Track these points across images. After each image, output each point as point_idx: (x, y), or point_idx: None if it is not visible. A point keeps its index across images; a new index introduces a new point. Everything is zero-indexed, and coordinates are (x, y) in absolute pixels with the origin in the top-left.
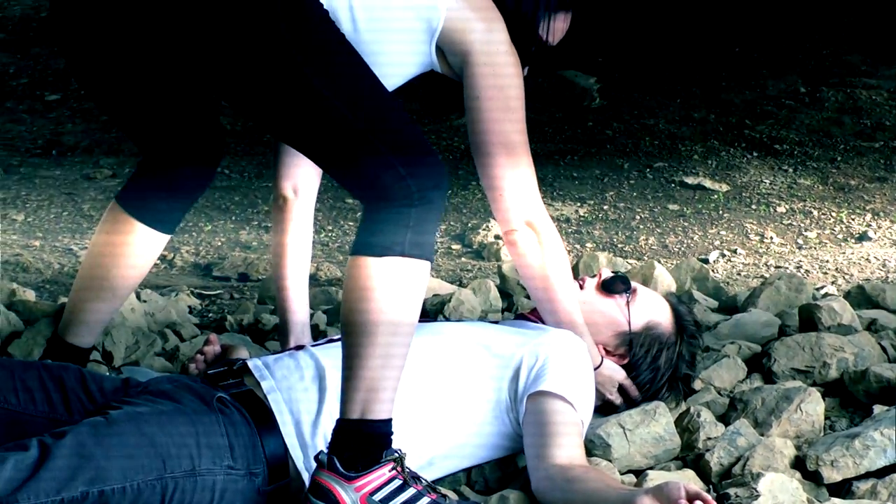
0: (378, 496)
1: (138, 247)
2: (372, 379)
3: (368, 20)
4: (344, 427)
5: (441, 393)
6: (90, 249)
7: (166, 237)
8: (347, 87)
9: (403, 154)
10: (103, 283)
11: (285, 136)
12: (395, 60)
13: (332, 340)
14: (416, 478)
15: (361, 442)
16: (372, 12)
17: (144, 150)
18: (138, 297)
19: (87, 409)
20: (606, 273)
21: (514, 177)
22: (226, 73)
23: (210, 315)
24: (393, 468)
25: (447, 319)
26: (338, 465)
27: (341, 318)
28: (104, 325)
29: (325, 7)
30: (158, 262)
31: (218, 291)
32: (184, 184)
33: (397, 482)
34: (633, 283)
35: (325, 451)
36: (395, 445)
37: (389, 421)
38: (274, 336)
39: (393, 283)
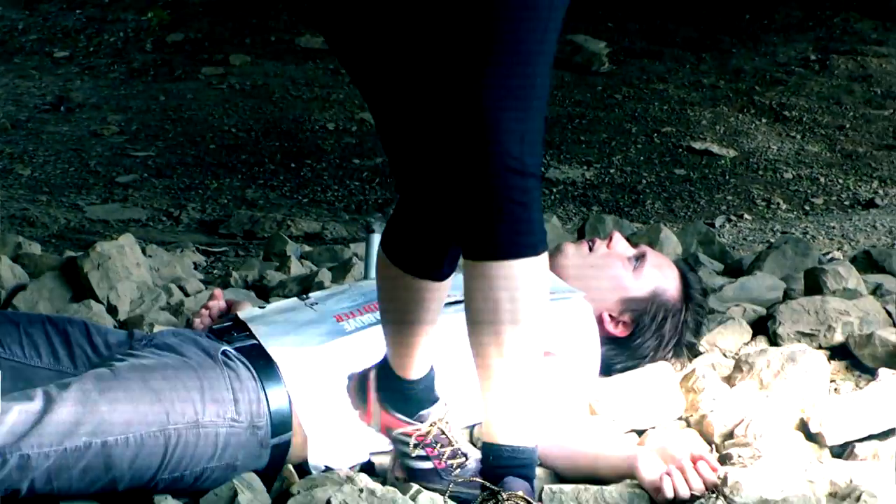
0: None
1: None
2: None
3: None
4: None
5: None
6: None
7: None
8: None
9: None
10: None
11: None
12: None
13: (332, 295)
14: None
15: None
16: None
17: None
18: (144, 252)
19: (92, 362)
20: (618, 237)
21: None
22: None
23: (215, 272)
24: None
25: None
26: None
27: (472, 331)
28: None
29: None
30: (164, 218)
31: (223, 248)
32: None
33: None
34: (643, 248)
35: None
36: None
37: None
38: (278, 293)
39: (525, 285)
